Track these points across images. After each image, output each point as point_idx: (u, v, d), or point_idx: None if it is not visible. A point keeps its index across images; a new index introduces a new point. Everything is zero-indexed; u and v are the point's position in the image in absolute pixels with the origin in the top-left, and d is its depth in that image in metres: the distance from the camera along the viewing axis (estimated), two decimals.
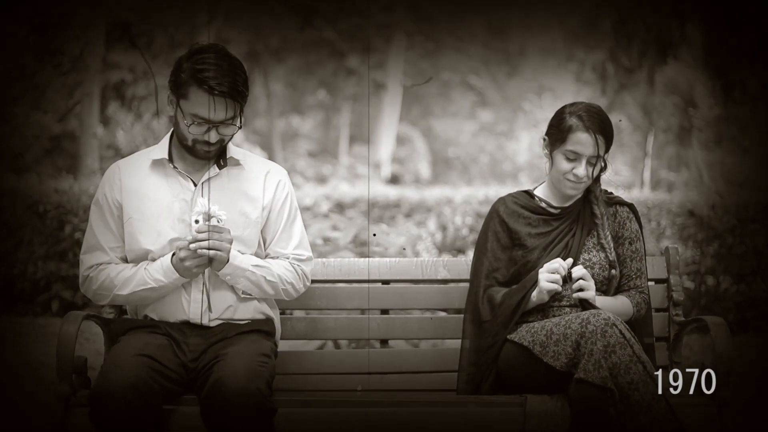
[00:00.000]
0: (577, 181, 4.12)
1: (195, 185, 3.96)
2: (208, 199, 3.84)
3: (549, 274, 4.00)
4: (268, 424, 3.67)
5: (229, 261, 3.85)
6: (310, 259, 4.16)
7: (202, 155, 3.93)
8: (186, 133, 3.87)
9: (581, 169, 4.10)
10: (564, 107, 4.19)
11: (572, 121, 4.09)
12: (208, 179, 3.97)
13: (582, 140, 4.07)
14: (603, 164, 4.19)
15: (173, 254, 3.86)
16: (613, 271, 4.15)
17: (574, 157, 4.10)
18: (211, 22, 18.83)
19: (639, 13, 16.60)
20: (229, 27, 20.17)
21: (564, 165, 4.12)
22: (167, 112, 3.97)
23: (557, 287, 4.00)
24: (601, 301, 4.07)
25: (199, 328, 3.93)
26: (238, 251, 3.94)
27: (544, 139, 4.22)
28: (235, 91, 3.79)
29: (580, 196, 4.24)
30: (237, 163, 4.02)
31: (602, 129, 4.08)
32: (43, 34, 13.36)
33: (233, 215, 3.95)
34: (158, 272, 3.88)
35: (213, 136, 3.86)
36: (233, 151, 4.02)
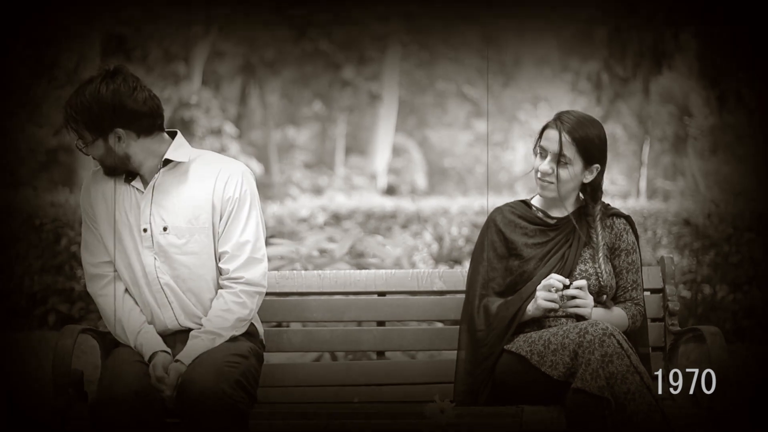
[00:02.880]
0: (542, 178, 4.15)
1: (142, 193, 3.96)
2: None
3: (546, 293, 4.00)
4: (236, 425, 3.68)
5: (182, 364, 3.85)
6: (261, 262, 4.03)
7: (142, 179, 3.99)
8: None
9: (545, 164, 4.12)
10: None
11: (550, 120, 4.15)
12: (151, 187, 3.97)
13: (549, 136, 4.11)
14: (599, 179, 4.20)
15: (153, 354, 3.85)
16: (604, 297, 4.15)
17: (544, 154, 4.14)
18: (206, 35, 18.87)
19: (633, 22, 16.64)
20: (224, 39, 20.20)
21: (535, 161, 4.18)
22: None
23: (555, 306, 4.00)
24: (595, 313, 4.07)
25: (184, 335, 3.94)
26: (184, 264, 3.94)
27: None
28: (66, 116, 3.94)
29: (575, 206, 4.25)
30: (176, 165, 3.98)
31: (573, 130, 4.08)
32: (39, 48, 13.37)
33: (181, 222, 3.94)
34: (140, 348, 3.89)
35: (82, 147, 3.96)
36: (172, 153, 3.97)
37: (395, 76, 24.11)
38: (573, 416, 3.76)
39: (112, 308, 3.96)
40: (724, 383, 3.92)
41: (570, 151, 4.10)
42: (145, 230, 3.92)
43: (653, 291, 4.47)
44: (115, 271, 4.00)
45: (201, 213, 3.95)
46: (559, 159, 4.11)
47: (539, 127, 4.24)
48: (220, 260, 3.98)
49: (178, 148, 3.99)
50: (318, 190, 21.98)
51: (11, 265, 9.75)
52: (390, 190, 23.13)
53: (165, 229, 3.92)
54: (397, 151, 24.99)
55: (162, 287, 3.93)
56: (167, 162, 3.96)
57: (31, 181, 13.00)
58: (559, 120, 4.13)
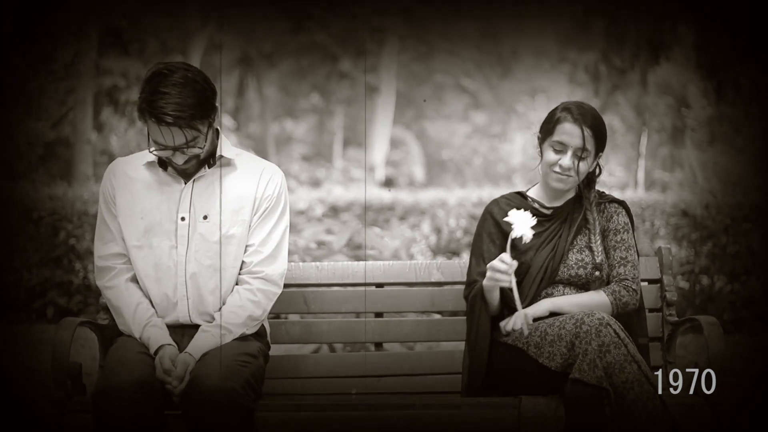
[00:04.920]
0: (562, 173, 4.13)
1: (184, 184, 3.97)
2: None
3: (492, 272, 4.00)
4: (244, 424, 3.69)
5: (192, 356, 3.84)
6: (281, 262, 4.07)
7: (180, 171, 3.93)
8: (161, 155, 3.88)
9: (567, 160, 4.11)
10: (559, 104, 4.21)
11: (561, 113, 4.13)
12: (192, 180, 3.98)
13: (568, 130, 4.09)
14: (598, 169, 4.22)
15: (160, 347, 3.84)
16: (597, 273, 4.16)
17: (560, 149, 4.12)
18: (203, 27, 18.84)
19: (631, 14, 16.64)
20: (222, 32, 20.15)
21: (551, 156, 4.14)
22: None
23: (503, 279, 3.98)
24: (565, 298, 4.08)
25: (192, 329, 3.94)
26: (218, 253, 3.95)
27: (538, 137, 4.23)
28: (181, 119, 3.72)
29: (571, 195, 4.25)
30: (228, 162, 4.02)
31: (591, 123, 4.10)
32: (36, 41, 13.36)
33: (223, 213, 3.96)
34: (147, 341, 3.88)
35: (179, 159, 3.84)
36: (225, 150, 4.01)
37: (393, 68, 24.09)
38: (572, 407, 3.76)
39: (119, 300, 3.96)
40: (721, 373, 3.92)
41: (590, 144, 4.11)
42: (183, 219, 3.93)
43: (651, 282, 4.47)
44: (125, 263, 4.00)
45: (244, 206, 3.98)
46: (583, 155, 4.12)
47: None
48: (244, 252, 4.01)
49: (226, 144, 4.03)
50: (316, 183, 21.96)
51: (10, 259, 9.76)
52: (388, 182, 23.12)
53: (205, 217, 3.94)
54: (395, 143, 24.98)
55: (186, 280, 3.94)
56: (220, 158, 3.99)
57: (30, 175, 12.99)
58: (575, 113, 4.11)
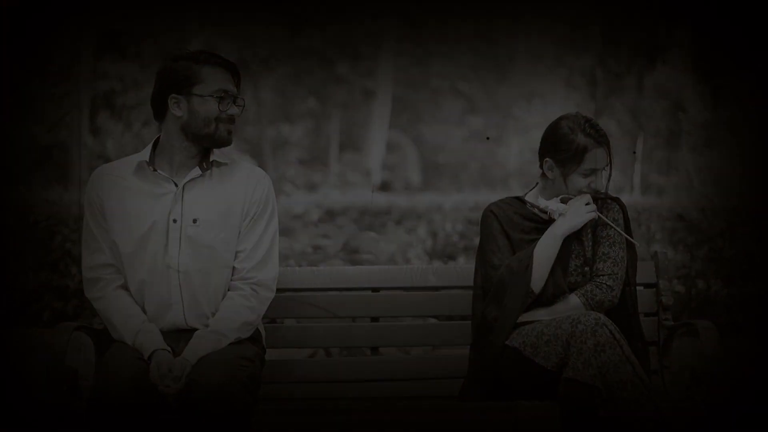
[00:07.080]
0: (595, 194, 4.16)
1: (177, 186, 3.99)
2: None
3: (586, 205, 4.09)
4: (240, 427, 3.69)
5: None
6: (273, 266, 4.10)
7: (225, 137, 4.01)
8: (211, 113, 3.96)
9: (601, 182, 4.15)
10: (560, 125, 4.16)
11: (583, 140, 4.09)
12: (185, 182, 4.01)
13: (598, 156, 4.11)
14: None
15: (154, 352, 3.84)
16: (587, 269, 4.17)
17: (590, 173, 4.13)
18: (200, 31, 18.85)
19: (627, 17, 16.65)
20: (218, 35, 20.16)
21: (581, 182, 4.14)
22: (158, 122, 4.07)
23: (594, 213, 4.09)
24: (539, 314, 4.09)
25: (189, 334, 3.94)
26: (209, 257, 3.97)
27: (547, 161, 4.19)
28: (236, 67, 4.07)
29: None
30: (219, 165, 4.06)
31: (607, 137, 4.13)
32: (32, 44, 13.35)
33: (213, 217, 3.98)
34: (140, 347, 3.87)
35: (235, 110, 4.00)
36: (216, 154, 4.06)
37: (389, 72, 24.08)
38: (565, 406, 3.76)
39: (110, 310, 3.96)
40: (717, 377, 3.93)
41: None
42: (174, 221, 3.94)
43: (647, 286, 4.48)
44: (114, 273, 4.00)
45: (233, 211, 4.01)
46: (610, 173, 4.16)
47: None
48: (235, 259, 4.03)
49: (216, 151, 4.08)
50: (312, 187, 21.93)
51: (5, 262, 9.75)
52: (384, 187, 23.09)
53: (195, 221, 3.96)
54: (391, 147, 24.96)
55: (180, 283, 3.94)
56: (213, 163, 4.04)
57: (25, 178, 12.97)
58: (596, 136, 4.11)
